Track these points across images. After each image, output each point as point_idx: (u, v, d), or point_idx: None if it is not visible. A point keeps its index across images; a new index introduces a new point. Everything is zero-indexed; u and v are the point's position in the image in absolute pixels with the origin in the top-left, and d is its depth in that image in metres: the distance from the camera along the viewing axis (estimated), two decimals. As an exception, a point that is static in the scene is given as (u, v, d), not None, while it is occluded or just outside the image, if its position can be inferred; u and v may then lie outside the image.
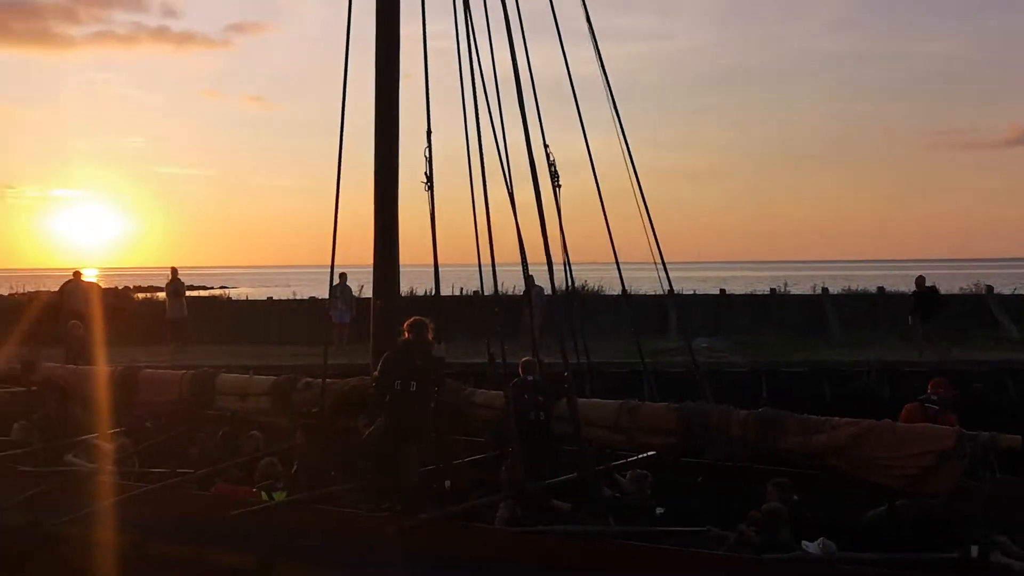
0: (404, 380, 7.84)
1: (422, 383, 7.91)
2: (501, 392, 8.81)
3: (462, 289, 25.50)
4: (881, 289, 26.97)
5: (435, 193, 8.95)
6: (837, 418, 7.37)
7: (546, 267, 8.67)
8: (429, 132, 8.93)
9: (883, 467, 6.88)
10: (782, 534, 6.82)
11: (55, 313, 19.54)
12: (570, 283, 10.36)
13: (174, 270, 22.48)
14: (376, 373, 8.37)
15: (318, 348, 17.94)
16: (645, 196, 10.02)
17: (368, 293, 20.64)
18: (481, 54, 8.99)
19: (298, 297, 28.31)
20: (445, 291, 24.09)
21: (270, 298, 28.44)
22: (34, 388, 12.03)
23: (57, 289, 23.12)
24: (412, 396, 7.84)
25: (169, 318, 21.67)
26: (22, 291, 30.05)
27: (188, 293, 24.08)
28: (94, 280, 29.51)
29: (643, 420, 8.14)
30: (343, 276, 20.59)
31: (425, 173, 8.86)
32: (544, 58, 9.53)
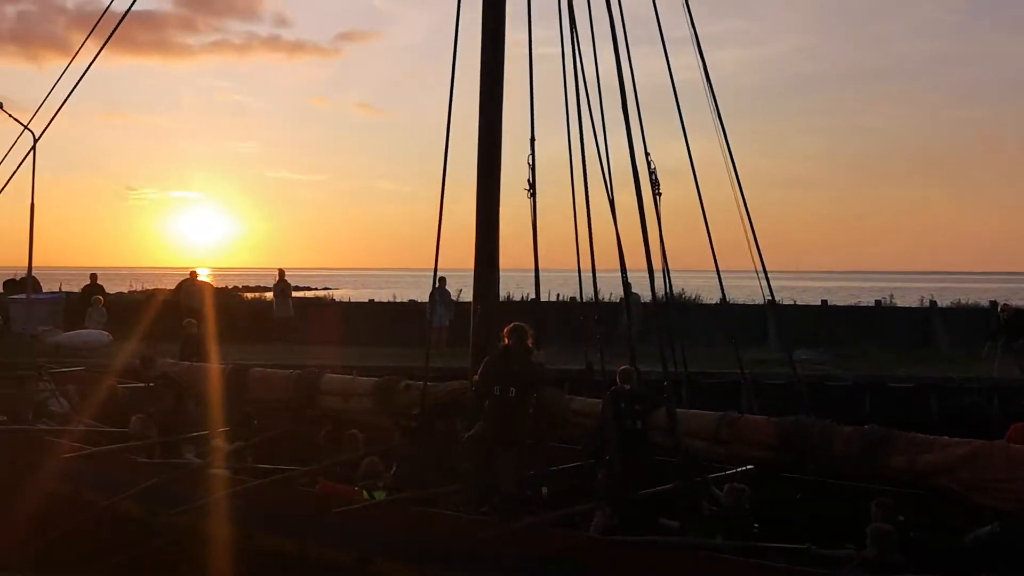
0: (503, 386, 7.92)
1: (521, 389, 7.98)
2: (599, 400, 8.86)
3: (559, 295, 25.55)
4: (994, 303, 25.79)
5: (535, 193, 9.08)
6: (947, 437, 7.14)
7: (642, 274, 8.65)
8: (533, 139, 9.05)
9: (996, 489, 6.64)
10: (892, 555, 6.64)
11: (172, 310, 20.50)
12: (668, 290, 10.31)
13: (281, 271, 23.24)
14: (476, 378, 8.51)
15: (417, 350, 18.39)
16: (747, 203, 9.93)
17: (466, 297, 20.97)
18: (584, 61, 9.08)
19: (398, 300, 28.84)
20: (542, 296, 24.24)
21: (371, 300, 29.11)
22: (152, 383, 12.64)
23: (174, 287, 24.32)
24: (510, 402, 7.91)
25: (276, 317, 22.43)
26: (141, 289, 31.47)
27: (294, 294, 24.83)
28: (208, 279, 30.85)
29: (742, 433, 8.02)
30: (442, 280, 20.89)
31: (528, 180, 8.97)
32: (641, 64, 9.53)
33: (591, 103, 9.27)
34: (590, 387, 9.60)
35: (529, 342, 8.22)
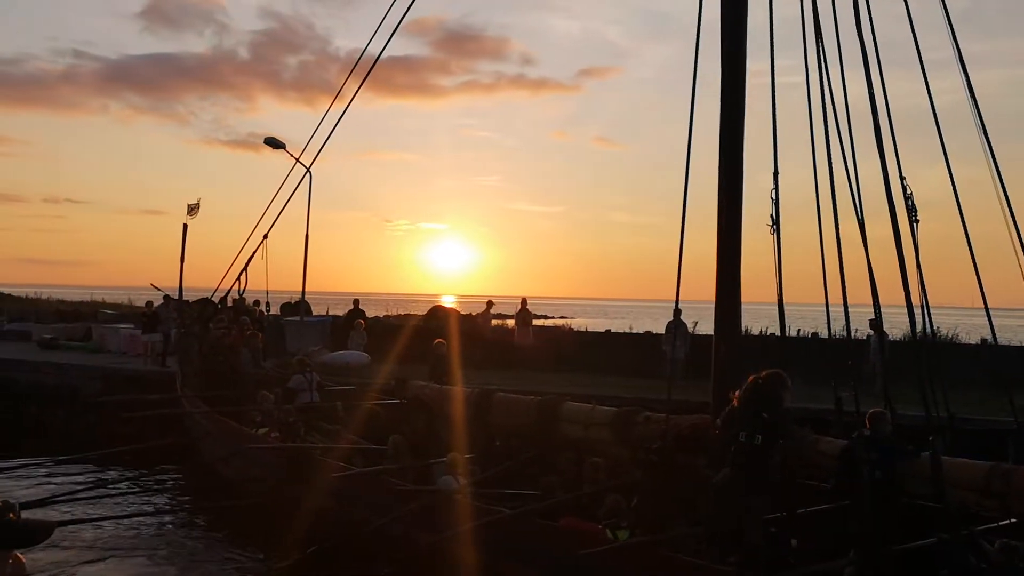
0: (749, 432, 7.70)
1: (768, 436, 7.72)
2: (846, 442, 8.44)
3: (799, 330, 24.44)
4: None
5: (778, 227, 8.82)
6: None
7: (892, 309, 8.14)
8: (776, 173, 8.81)
9: None
10: None
11: (423, 335, 21.76)
12: (929, 328, 9.62)
13: (524, 300, 23.96)
14: (720, 420, 8.35)
15: (651, 381, 18.29)
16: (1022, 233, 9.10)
17: (702, 329, 20.63)
18: (828, 86, 8.79)
19: (634, 331, 28.81)
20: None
21: (608, 330, 29.26)
22: (405, 402, 13.52)
23: (425, 313, 25.87)
24: (757, 450, 7.66)
25: (518, 345, 23.19)
26: (396, 314, 33.56)
27: (532, 322, 25.50)
28: (453, 306, 32.52)
29: (1020, 486, 7.33)
30: (677, 312, 20.72)
31: (771, 216, 8.74)
32: (890, 89, 9.06)
33: (840, 130, 8.93)
34: (839, 427, 9.17)
35: (783, 392, 7.90)
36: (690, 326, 21.97)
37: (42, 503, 12.50)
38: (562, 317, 66.27)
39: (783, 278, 9.15)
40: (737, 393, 8.12)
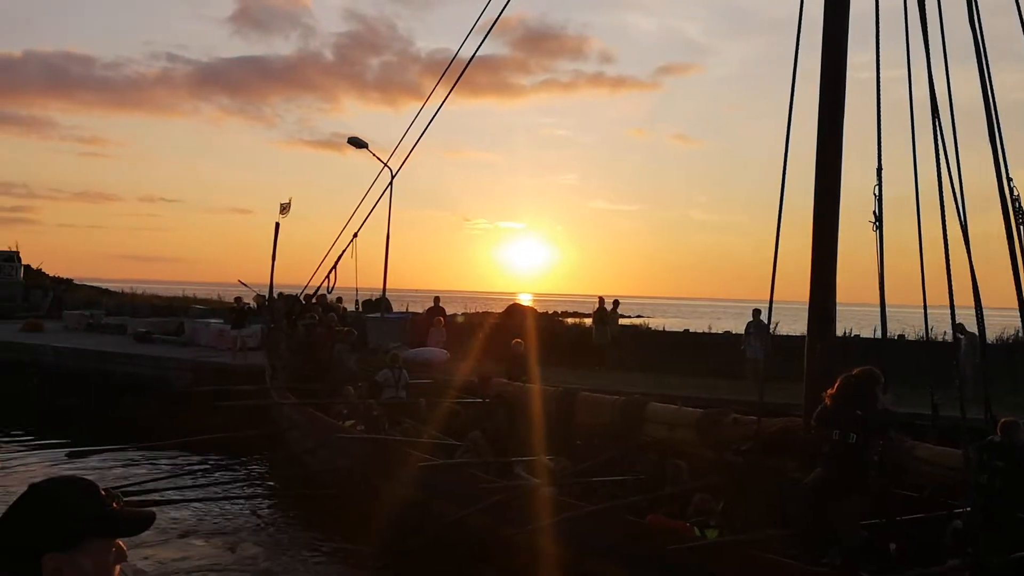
0: (844, 431, 7.50)
1: (863, 435, 7.51)
2: (947, 449, 8.16)
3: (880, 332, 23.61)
4: None
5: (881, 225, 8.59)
6: None
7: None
8: (880, 169, 8.57)
9: None
10: None
11: (501, 333, 21.81)
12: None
13: (601, 299, 23.80)
14: (813, 420, 8.15)
15: (731, 381, 17.95)
16: None
17: (783, 330, 20.16)
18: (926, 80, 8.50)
19: (713, 331, 28.39)
20: (861, 332, 22.74)
21: (687, 330, 28.89)
22: (487, 400, 13.55)
23: (503, 311, 25.93)
24: (852, 448, 7.46)
25: (595, 344, 23.06)
26: (474, 311, 33.69)
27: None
28: (531, 305, 32.47)
29: None
30: (756, 312, 20.37)
31: (874, 212, 8.51)
32: (999, 84, 8.70)
33: (942, 127, 8.62)
34: (936, 433, 8.86)
35: (879, 389, 7.68)
36: (771, 326, 21.46)
37: (137, 485, 12.93)
38: (639, 316, 65.55)
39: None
40: (830, 392, 7.91)
